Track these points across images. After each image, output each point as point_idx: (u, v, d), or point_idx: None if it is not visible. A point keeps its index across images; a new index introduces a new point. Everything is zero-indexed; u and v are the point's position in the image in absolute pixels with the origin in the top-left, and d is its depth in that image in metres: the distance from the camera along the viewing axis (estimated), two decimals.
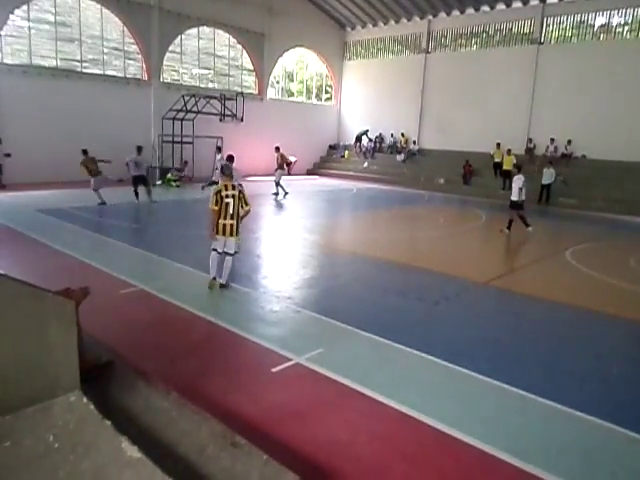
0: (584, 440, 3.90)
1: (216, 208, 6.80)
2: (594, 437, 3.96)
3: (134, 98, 20.64)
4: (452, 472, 3.41)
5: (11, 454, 2.78)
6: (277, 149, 17.94)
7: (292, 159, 26.20)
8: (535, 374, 4.92)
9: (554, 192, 19.33)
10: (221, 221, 6.84)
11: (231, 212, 6.81)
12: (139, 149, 14.54)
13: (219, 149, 17.37)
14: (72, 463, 2.72)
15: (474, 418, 4.06)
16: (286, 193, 17.32)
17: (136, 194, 14.25)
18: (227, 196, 6.78)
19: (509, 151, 20.90)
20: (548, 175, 18.88)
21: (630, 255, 10.92)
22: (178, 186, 19.42)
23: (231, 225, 6.85)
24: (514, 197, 12.51)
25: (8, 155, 15.02)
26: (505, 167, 20.82)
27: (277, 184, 17.30)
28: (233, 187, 6.88)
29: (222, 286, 7.04)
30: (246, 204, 6.93)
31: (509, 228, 12.75)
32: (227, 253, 7.01)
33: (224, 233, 6.88)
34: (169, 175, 19.81)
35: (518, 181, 12.37)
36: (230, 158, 11.22)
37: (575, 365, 5.28)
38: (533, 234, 12.76)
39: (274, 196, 17.15)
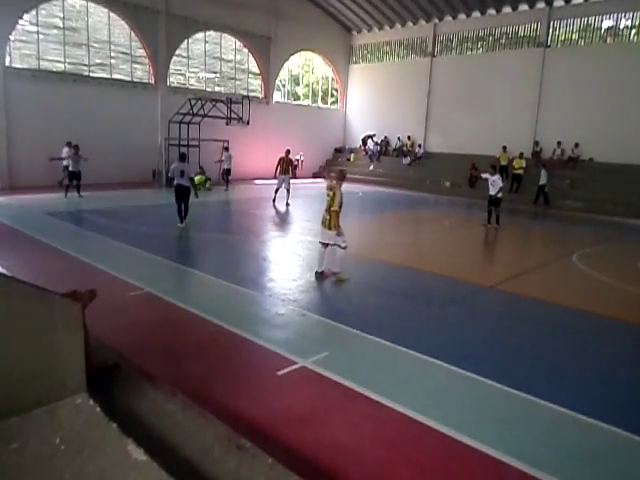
0: (590, 444, 3.87)
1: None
2: (600, 441, 3.93)
3: (141, 102, 20.78)
4: (457, 476, 3.39)
5: (18, 456, 2.79)
6: (288, 152, 16.62)
7: (297, 157, 26.22)
8: (541, 378, 4.89)
9: (559, 195, 19.43)
10: (323, 214, 7.97)
11: (328, 207, 7.82)
12: (70, 144, 16.27)
13: (226, 149, 20.23)
14: (78, 465, 2.73)
15: (479, 422, 4.04)
16: (274, 200, 16.42)
17: (66, 189, 15.43)
18: (327, 194, 7.90)
19: (521, 154, 20.89)
20: (543, 177, 19.21)
21: (638, 258, 10.84)
22: (209, 189, 19.54)
23: (325, 218, 7.86)
24: (499, 194, 13.70)
25: (77, 153, 16.64)
26: (516, 171, 20.81)
27: (287, 190, 16.29)
28: (332, 188, 7.82)
29: (317, 274, 7.96)
30: (334, 205, 7.70)
31: (497, 222, 13.91)
32: (321, 243, 8.00)
33: (323, 224, 7.93)
34: (199, 177, 19.37)
35: (499, 181, 13.65)
36: (182, 156, 11.92)
37: (582, 369, 5.24)
38: (536, 236, 12.72)
39: (286, 206, 16.11)
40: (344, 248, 7.96)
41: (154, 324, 5.88)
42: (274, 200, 16.42)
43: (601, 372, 5.23)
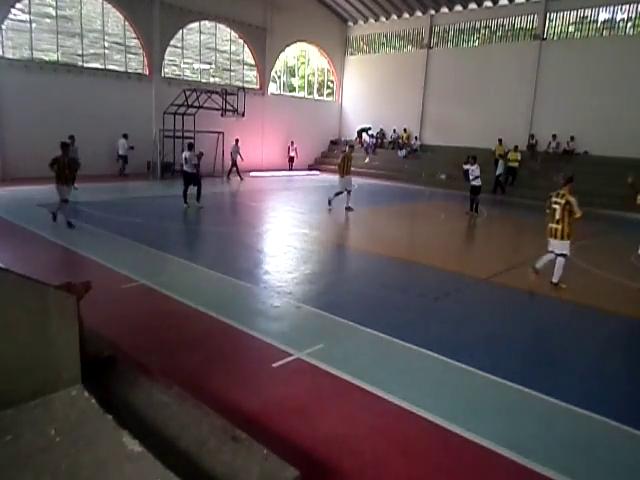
0: (583, 435, 3.91)
1: (549, 212, 7.79)
2: (593, 432, 3.97)
3: (135, 93, 20.62)
4: (451, 467, 3.42)
5: (12, 448, 2.79)
6: (351, 149, 15.20)
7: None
8: (535, 370, 4.93)
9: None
10: (549, 224, 7.74)
11: (557, 217, 7.61)
12: (126, 136, 18.81)
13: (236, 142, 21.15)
14: (73, 457, 2.73)
15: (473, 413, 4.06)
16: (330, 203, 14.45)
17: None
18: (555, 202, 7.68)
19: (516, 147, 21.03)
20: (500, 167, 20.12)
21: (631, 252, 10.88)
22: None
23: (556, 229, 7.64)
24: (478, 183, 14.48)
25: (132, 148, 18.71)
26: (510, 163, 20.94)
27: (349, 192, 14.33)
28: (562, 196, 7.64)
29: (554, 284, 7.77)
30: (575, 213, 7.55)
31: (476, 211, 14.76)
32: (555, 254, 7.73)
33: (550, 235, 7.74)
34: None
35: (477, 170, 14.47)
36: (189, 145, 13.44)
37: (575, 361, 5.28)
38: (531, 227, 12.79)
39: (348, 210, 14.24)
40: (566, 255, 7.73)
41: (149, 316, 5.88)
42: (330, 202, 14.40)
43: (595, 364, 5.27)
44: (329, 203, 14.37)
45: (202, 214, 12.94)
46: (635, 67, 19.53)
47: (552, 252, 7.77)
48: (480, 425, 3.87)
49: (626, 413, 4.16)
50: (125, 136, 18.89)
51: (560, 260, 7.68)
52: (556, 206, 7.62)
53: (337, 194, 14.40)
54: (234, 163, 20.97)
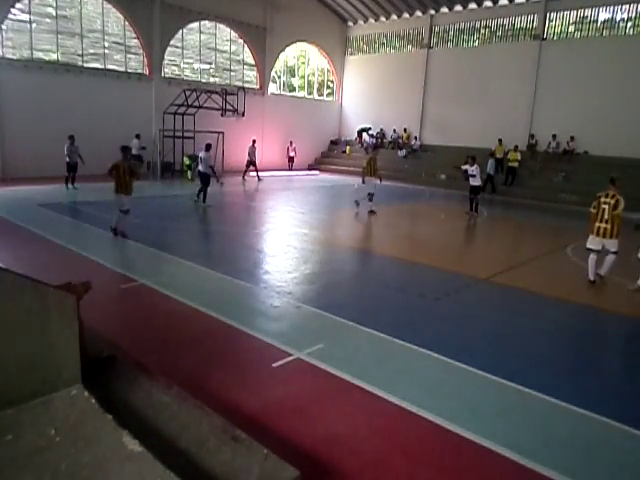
0: (583, 435, 3.91)
1: (594, 211, 7.96)
2: (593, 433, 3.97)
3: (135, 93, 20.63)
4: (451, 467, 3.42)
5: (12, 448, 2.79)
6: (376, 149, 15.24)
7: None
8: (535, 370, 4.93)
9: (558, 188, 19.54)
10: (597, 224, 7.90)
11: (606, 217, 7.80)
12: (139, 136, 19.06)
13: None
14: (73, 457, 2.73)
15: (473, 413, 4.06)
16: (371, 211, 14.00)
17: (66, 180, 15.39)
18: (604, 202, 7.82)
19: (516, 147, 21.07)
20: (491, 166, 20.21)
21: (631, 252, 10.88)
22: (192, 179, 19.06)
23: (605, 228, 7.84)
24: (478, 183, 14.69)
25: (144, 148, 19.00)
26: (510, 163, 20.97)
27: (371, 196, 14.02)
28: (612, 196, 7.77)
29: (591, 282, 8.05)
30: (615, 209, 7.75)
31: (476, 210, 14.79)
32: (609, 251, 7.96)
33: (598, 234, 7.90)
34: (188, 160, 19.74)
35: (477, 171, 14.60)
36: (206, 146, 13.70)
37: (575, 361, 5.29)
38: (532, 227, 12.78)
39: (356, 206, 14.21)
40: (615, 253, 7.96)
41: (149, 316, 5.87)
42: (372, 211, 13.93)
43: (595, 364, 5.28)
44: (371, 211, 13.95)
45: (202, 214, 12.94)
46: (635, 67, 19.53)
47: (595, 250, 8.00)
48: (480, 425, 3.87)
49: (626, 413, 4.16)
50: (138, 136, 19.09)
51: (611, 257, 7.97)
52: (605, 206, 7.78)
53: (371, 196, 13.99)
54: (253, 163, 21.02)
